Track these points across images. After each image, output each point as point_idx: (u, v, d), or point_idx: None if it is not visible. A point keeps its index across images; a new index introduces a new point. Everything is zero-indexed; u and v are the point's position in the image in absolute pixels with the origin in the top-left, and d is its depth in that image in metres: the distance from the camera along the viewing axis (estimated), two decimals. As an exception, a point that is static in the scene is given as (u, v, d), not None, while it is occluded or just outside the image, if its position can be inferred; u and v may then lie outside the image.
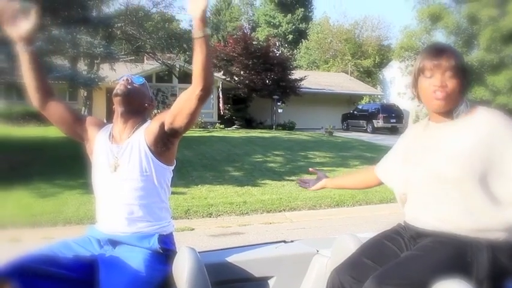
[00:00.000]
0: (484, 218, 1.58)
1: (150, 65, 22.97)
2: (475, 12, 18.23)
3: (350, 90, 29.53)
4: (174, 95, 23.65)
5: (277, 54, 25.91)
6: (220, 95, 22.80)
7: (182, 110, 1.92)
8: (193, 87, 1.85)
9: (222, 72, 23.79)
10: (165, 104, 23.26)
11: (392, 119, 24.14)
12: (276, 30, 41.00)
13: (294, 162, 12.18)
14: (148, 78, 21.35)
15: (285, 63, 24.56)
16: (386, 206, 7.47)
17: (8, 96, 18.32)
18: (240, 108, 24.16)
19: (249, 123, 24.33)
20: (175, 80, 22.87)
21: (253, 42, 24.93)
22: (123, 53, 17.57)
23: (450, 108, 1.66)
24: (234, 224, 6.58)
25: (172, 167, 2.13)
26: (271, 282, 2.17)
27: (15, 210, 6.79)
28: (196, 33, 1.77)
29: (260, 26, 43.09)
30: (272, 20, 42.29)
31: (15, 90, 14.60)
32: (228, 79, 23.72)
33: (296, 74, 24.96)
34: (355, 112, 26.87)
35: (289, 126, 24.19)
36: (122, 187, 2.00)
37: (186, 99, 1.91)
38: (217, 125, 22.32)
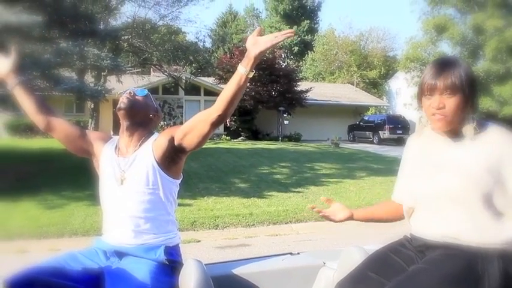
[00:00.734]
0: (492, 236, 1.58)
1: (156, 77, 23.15)
2: (480, 23, 18.25)
3: (356, 102, 29.55)
4: (181, 107, 23.79)
5: (283, 66, 26.02)
6: (227, 107, 22.84)
7: (194, 130, 1.93)
8: (212, 109, 1.86)
9: (227, 84, 23.89)
10: (171, 116, 23.38)
11: (399, 130, 24.04)
12: (282, 42, 41.06)
13: (300, 173, 12.14)
14: (154, 90, 21.55)
15: (291, 75, 24.61)
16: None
17: (15, 109, 18.41)
18: (246, 119, 24.17)
19: (255, 135, 24.37)
20: (181, 92, 23.03)
21: (259, 54, 25.01)
22: (129, 65, 17.67)
23: (454, 127, 1.64)
24: (240, 236, 6.55)
25: (179, 181, 2.13)
26: None
27: (22, 222, 6.81)
28: (243, 69, 1.77)
29: (266, 38, 43.22)
30: (278, 32, 42.44)
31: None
32: (234, 91, 23.77)
33: (302, 86, 25.04)
34: (361, 123, 26.81)
35: (295, 138, 24.19)
36: (128, 200, 2.01)
37: (200, 119, 1.91)
38: (224, 136, 22.35)
